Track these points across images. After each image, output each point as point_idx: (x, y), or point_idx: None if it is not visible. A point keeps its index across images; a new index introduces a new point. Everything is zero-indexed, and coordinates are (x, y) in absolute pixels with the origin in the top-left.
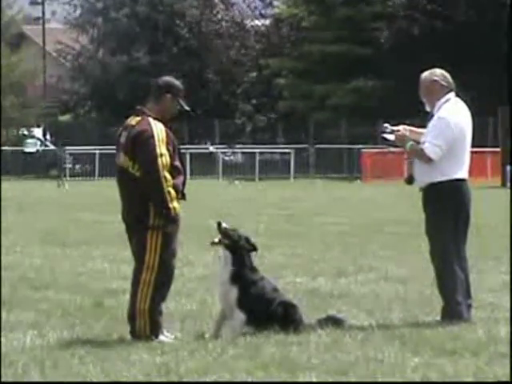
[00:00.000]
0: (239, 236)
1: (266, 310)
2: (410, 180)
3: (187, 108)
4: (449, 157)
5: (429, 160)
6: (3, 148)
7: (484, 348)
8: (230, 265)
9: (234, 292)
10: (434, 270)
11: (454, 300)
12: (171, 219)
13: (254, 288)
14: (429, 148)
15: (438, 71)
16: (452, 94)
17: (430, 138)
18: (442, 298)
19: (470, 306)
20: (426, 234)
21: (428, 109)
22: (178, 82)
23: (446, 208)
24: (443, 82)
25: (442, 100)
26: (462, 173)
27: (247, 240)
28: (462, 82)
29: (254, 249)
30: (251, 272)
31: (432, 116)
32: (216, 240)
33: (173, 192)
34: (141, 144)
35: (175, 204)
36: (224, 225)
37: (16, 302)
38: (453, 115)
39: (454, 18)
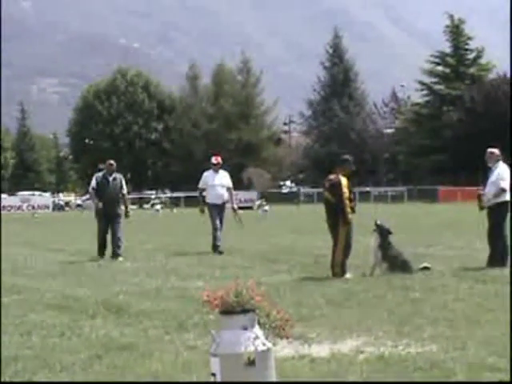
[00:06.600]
0: (383, 227)
1: (394, 261)
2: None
3: (354, 169)
4: None
5: None
6: (271, 190)
7: None
8: (377, 240)
9: (379, 253)
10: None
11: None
12: (348, 222)
13: (389, 251)
14: None
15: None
16: None
17: None
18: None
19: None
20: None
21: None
22: (351, 158)
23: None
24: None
25: None
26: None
27: (387, 231)
28: None
29: (390, 233)
30: (388, 244)
31: None
32: (374, 228)
33: (349, 210)
34: (335, 187)
35: (350, 215)
36: (378, 222)
37: (279, 258)
38: None
39: None
